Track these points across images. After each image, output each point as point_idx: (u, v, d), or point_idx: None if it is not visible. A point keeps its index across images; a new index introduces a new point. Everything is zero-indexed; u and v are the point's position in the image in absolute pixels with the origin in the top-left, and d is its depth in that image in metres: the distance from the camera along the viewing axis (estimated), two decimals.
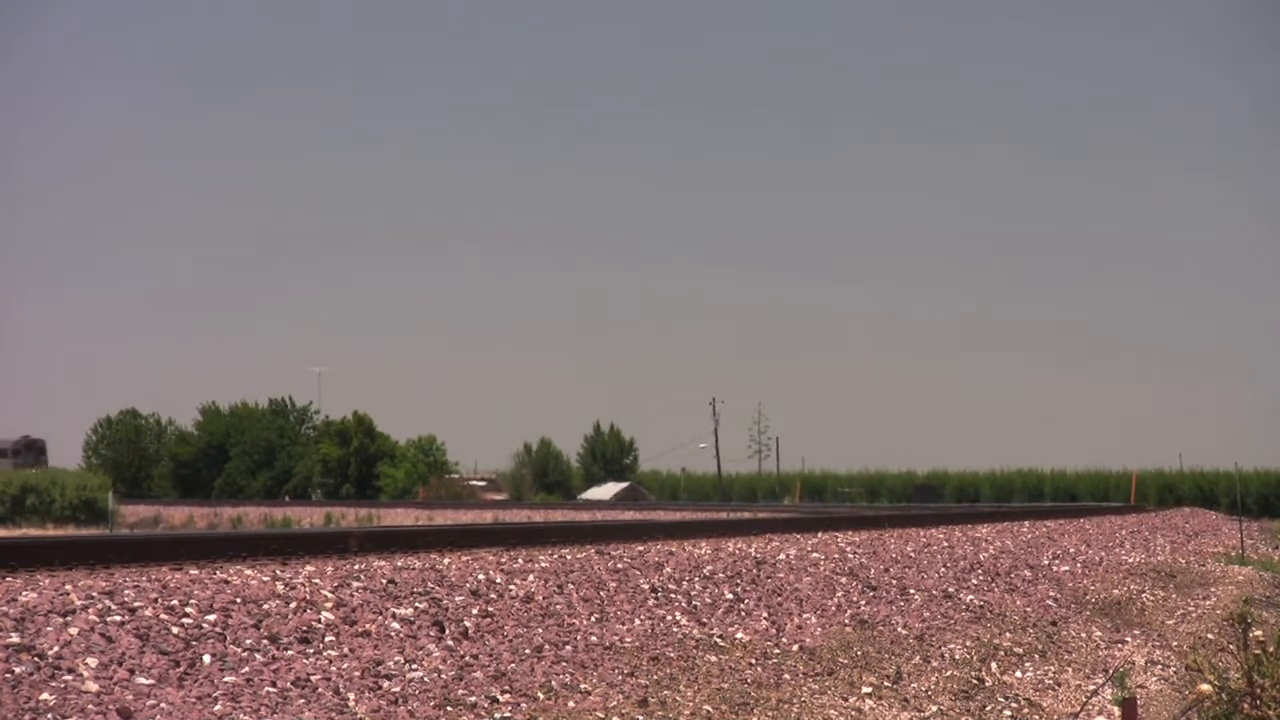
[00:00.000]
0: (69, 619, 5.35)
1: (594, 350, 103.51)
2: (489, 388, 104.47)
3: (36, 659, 4.90)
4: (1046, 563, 15.03)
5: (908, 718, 6.65)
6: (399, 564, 8.00)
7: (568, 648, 6.79)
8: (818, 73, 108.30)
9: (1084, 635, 10.27)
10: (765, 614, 8.72)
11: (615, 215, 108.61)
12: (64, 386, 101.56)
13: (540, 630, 7.00)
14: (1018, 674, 8.24)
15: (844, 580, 10.56)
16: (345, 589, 6.78)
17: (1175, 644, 10.32)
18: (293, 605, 6.26)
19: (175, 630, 5.54)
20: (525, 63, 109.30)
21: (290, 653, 5.66)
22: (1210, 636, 10.72)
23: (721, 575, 9.58)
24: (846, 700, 6.76)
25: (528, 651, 6.55)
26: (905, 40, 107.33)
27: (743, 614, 8.58)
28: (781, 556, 11.03)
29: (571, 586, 8.11)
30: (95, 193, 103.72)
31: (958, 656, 8.44)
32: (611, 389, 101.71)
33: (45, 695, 4.61)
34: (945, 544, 14.60)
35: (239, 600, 6.13)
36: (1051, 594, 12.46)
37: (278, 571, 7.10)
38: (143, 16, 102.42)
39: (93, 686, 4.77)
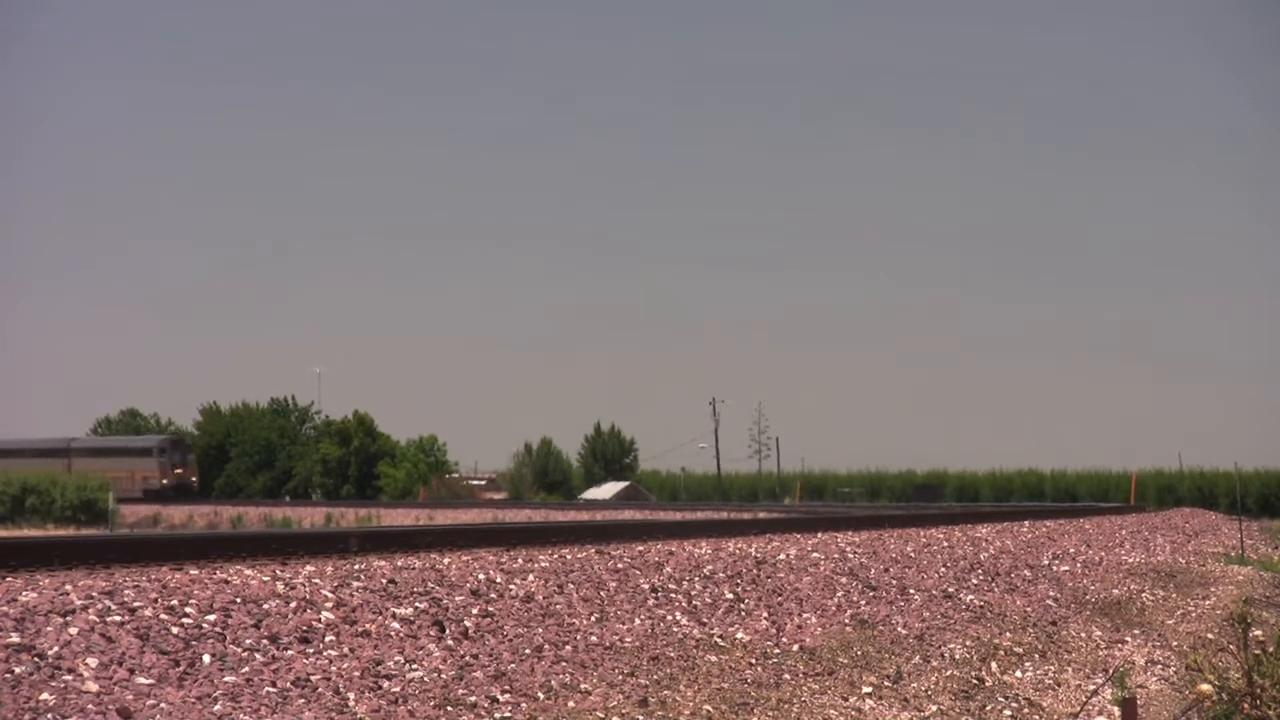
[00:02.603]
0: (69, 619, 5.35)
1: (594, 350, 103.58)
2: (489, 388, 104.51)
3: (36, 659, 4.90)
4: (1046, 563, 15.03)
5: (908, 718, 6.65)
6: (399, 564, 8.00)
7: (568, 648, 6.79)
8: (818, 72, 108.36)
9: (1084, 635, 10.26)
10: (765, 614, 8.72)
11: (615, 215, 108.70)
12: (64, 386, 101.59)
13: (540, 630, 7.00)
14: (1018, 674, 8.24)
15: (844, 580, 10.56)
16: (345, 589, 6.78)
17: (1175, 644, 10.32)
18: (293, 605, 6.26)
19: (175, 630, 5.54)
20: (525, 62, 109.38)
21: (290, 653, 5.66)
22: (1210, 636, 10.72)
23: (721, 575, 9.58)
24: (846, 700, 6.76)
25: (528, 651, 6.55)
26: (905, 40, 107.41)
27: (743, 614, 8.58)
28: (781, 556, 11.03)
29: (571, 586, 8.11)
30: (95, 193, 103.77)
31: (958, 656, 8.44)
32: (611, 389, 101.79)
33: (45, 695, 4.61)
34: (945, 544, 14.60)
35: (239, 600, 6.13)
36: (1051, 594, 12.46)
37: (278, 571, 7.10)
38: (143, 16, 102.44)
39: (93, 686, 4.77)
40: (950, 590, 11.29)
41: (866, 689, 7.07)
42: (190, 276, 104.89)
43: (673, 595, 8.58)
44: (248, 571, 7.03)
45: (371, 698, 5.35)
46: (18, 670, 4.77)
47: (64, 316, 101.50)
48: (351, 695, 5.32)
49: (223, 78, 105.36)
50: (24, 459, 56.56)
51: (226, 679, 5.18)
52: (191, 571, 6.95)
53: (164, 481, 59.10)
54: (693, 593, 8.80)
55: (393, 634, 6.29)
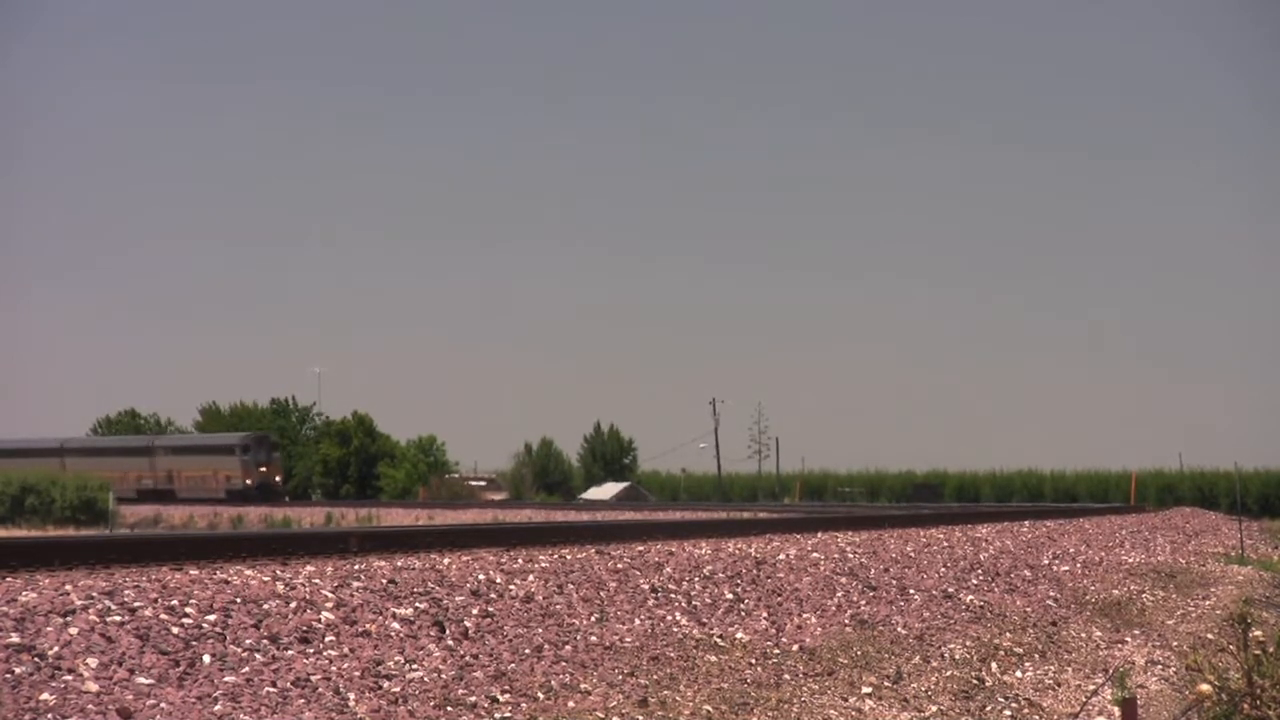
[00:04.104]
0: (69, 619, 5.35)
1: (594, 350, 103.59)
2: (489, 388, 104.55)
3: (36, 659, 4.90)
4: (1046, 563, 15.03)
5: (908, 718, 6.65)
6: (399, 564, 8.00)
7: (568, 648, 6.79)
8: (817, 72, 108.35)
9: (1084, 635, 10.26)
10: (765, 614, 8.72)
11: (615, 215, 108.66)
12: (64, 386, 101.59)
13: (540, 630, 7.00)
14: (1018, 674, 8.24)
15: (844, 580, 10.56)
16: (345, 589, 6.79)
17: (1175, 644, 10.32)
18: (293, 605, 6.26)
19: (175, 630, 5.54)
20: (525, 62, 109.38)
21: (290, 653, 5.67)
22: (1210, 636, 10.72)
23: (721, 575, 9.58)
24: (846, 700, 6.76)
25: (528, 651, 6.55)
26: (904, 40, 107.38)
27: (743, 614, 8.58)
28: (781, 556, 11.03)
29: (571, 586, 8.11)
30: (95, 193, 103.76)
31: (958, 656, 8.44)
32: (611, 389, 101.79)
33: (45, 695, 4.61)
34: (945, 544, 14.60)
35: (239, 600, 6.13)
36: (1051, 594, 12.46)
37: (278, 571, 7.10)
38: (143, 16, 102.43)
39: (93, 686, 4.77)
40: (950, 590, 11.29)
41: (866, 689, 7.07)
42: (190, 276, 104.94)
43: (673, 595, 8.58)
44: (248, 571, 7.04)
45: (371, 698, 5.35)
46: (18, 670, 4.77)
47: (64, 316, 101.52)
48: (351, 695, 5.32)
49: (223, 78, 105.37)
50: (106, 457, 57.27)
51: (226, 679, 5.18)
52: (191, 571, 6.95)
53: (247, 481, 56.29)
54: (693, 593, 8.80)
55: (393, 634, 6.29)
